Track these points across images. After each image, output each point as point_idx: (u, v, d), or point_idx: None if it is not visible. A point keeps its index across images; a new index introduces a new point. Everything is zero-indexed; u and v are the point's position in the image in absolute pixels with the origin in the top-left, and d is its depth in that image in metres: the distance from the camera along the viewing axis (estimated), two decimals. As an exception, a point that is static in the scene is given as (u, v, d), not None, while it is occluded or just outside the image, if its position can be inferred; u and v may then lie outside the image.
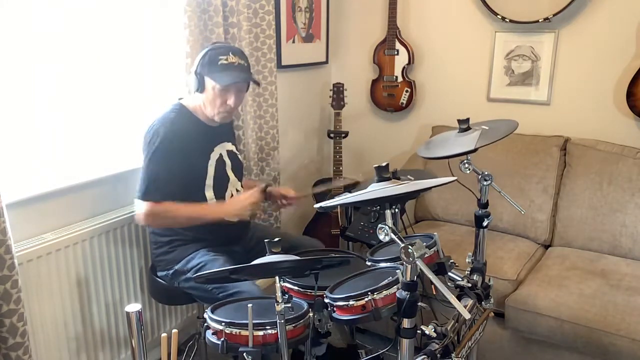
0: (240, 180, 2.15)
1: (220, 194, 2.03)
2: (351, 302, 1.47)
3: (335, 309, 1.51)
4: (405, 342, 1.37)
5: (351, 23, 3.29)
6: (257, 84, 2.07)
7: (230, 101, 1.92)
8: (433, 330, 1.45)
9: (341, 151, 3.01)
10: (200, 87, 1.92)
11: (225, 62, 1.89)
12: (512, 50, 2.81)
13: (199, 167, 1.98)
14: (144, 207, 1.88)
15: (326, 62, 3.34)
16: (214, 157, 2.02)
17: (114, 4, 2.08)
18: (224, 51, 1.90)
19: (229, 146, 2.11)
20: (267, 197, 2.28)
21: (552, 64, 2.73)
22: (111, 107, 2.15)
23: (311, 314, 1.53)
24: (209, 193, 2.00)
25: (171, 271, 1.99)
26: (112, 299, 2.19)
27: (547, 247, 2.60)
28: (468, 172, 1.75)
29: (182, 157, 1.90)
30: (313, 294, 1.60)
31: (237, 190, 2.12)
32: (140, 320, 1.36)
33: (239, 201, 2.00)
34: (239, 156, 2.18)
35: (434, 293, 1.51)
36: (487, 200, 1.83)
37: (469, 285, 1.76)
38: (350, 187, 2.97)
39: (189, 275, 1.93)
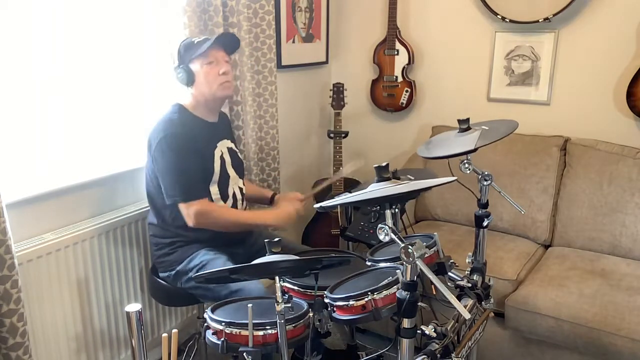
0: (241, 177, 2.15)
1: (224, 191, 2.04)
2: (351, 302, 1.47)
3: (335, 309, 1.51)
4: (405, 342, 1.37)
5: (351, 23, 3.29)
6: (237, 41, 2.04)
7: (223, 69, 1.94)
8: (433, 330, 1.45)
9: (341, 151, 3.01)
10: (190, 78, 1.94)
11: (199, 39, 1.95)
12: (512, 50, 2.81)
13: (207, 164, 1.99)
14: (194, 207, 1.88)
15: (326, 62, 3.33)
16: (217, 153, 2.03)
17: (114, 4, 2.08)
18: (193, 36, 1.99)
19: (229, 143, 2.12)
20: (275, 205, 2.28)
21: (552, 64, 2.73)
22: (111, 107, 2.15)
23: (311, 314, 1.53)
24: (214, 189, 2.00)
25: (173, 272, 1.99)
26: (112, 299, 2.19)
27: (547, 247, 2.60)
28: (468, 172, 1.75)
29: (195, 155, 1.92)
30: (313, 294, 1.60)
31: (240, 188, 2.13)
32: (140, 320, 1.36)
33: (288, 210, 2.05)
34: (238, 154, 2.19)
35: (434, 293, 1.51)
36: (487, 200, 1.83)
37: (469, 285, 1.76)
38: (350, 187, 2.97)
39: (190, 275, 1.93)
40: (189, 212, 1.89)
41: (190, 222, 1.90)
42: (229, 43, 2.01)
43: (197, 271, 1.90)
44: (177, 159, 1.87)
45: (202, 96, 1.97)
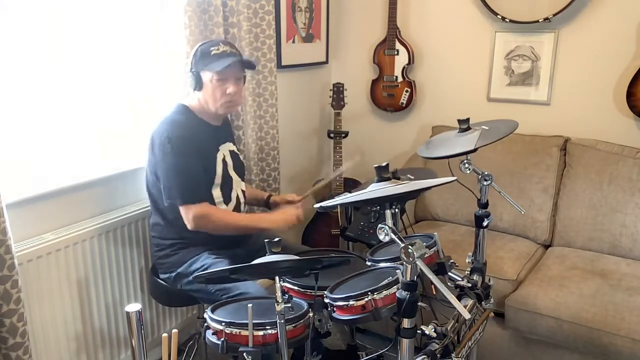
0: (242, 180, 2.16)
1: (227, 194, 2.04)
2: (351, 302, 1.47)
3: (335, 309, 1.51)
4: (405, 342, 1.37)
5: (351, 23, 3.29)
6: (253, 66, 2.04)
7: (230, 89, 1.93)
8: (433, 330, 1.45)
9: (341, 151, 3.01)
10: (199, 84, 1.93)
11: (217, 51, 1.91)
12: (512, 50, 2.81)
13: (210, 167, 1.99)
14: (193, 211, 1.88)
15: (326, 62, 3.33)
16: (219, 157, 2.03)
17: (114, 3, 2.08)
18: (214, 43, 1.94)
19: (231, 146, 2.12)
20: (271, 206, 2.29)
21: (552, 64, 2.73)
22: (111, 107, 2.15)
23: (311, 314, 1.53)
24: (216, 192, 2.00)
25: (174, 274, 1.99)
26: (112, 299, 2.19)
27: (547, 247, 2.60)
28: (468, 172, 1.75)
29: (197, 157, 1.91)
30: (313, 294, 1.60)
31: (242, 190, 2.13)
32: (140, 320, 1.36)
33: (287, 213, 2.05)
34: (240, 156, 2.19)
35: (434, 293, 1.51)
36: (487, 200, 1.83)
37: (469, 285, 1.76)
38: (350, 187, 2.97)
39: (191, 278, 1.93)
40: (188, 215, 1.89)
41: (189, 225, 1.90)
42: (246, 65, 2.00)
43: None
44: (180, 161, 1.87)
45: (206, 104, 1.97)
